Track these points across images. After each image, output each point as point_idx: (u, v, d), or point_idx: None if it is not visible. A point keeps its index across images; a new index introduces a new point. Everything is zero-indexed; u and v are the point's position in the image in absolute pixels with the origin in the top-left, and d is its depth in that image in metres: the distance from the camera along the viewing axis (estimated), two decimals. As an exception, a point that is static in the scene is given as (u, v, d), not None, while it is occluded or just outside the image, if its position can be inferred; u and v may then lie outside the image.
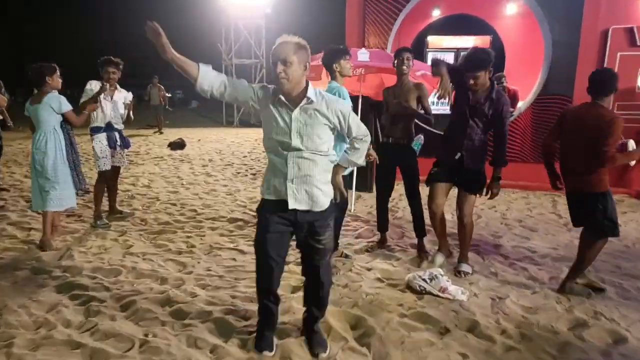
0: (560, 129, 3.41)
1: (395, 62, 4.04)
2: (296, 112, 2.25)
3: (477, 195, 3.63)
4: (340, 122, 2.34)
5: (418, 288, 3.34)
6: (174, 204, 5.75)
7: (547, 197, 6.45)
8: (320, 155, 2.32)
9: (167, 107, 16.00)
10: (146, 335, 2.71)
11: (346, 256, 3.97)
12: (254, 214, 5.37)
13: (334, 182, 2.46)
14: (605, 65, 6.39)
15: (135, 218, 5.09)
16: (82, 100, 4.46)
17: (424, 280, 3.35)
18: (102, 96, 4.50)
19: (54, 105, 4.03)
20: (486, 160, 3.61)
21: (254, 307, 3.02)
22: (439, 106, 7.98)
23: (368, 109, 5.85)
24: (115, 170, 4.98)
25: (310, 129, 2.27)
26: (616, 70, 6.37)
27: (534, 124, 6.91)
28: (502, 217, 5.49)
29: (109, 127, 4.74)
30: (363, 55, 4.80)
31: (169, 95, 17.08)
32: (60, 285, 3.35)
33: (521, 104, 7.25)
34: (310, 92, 2.26)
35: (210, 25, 21.31)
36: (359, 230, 4.83)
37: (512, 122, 6.99)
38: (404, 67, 4.00)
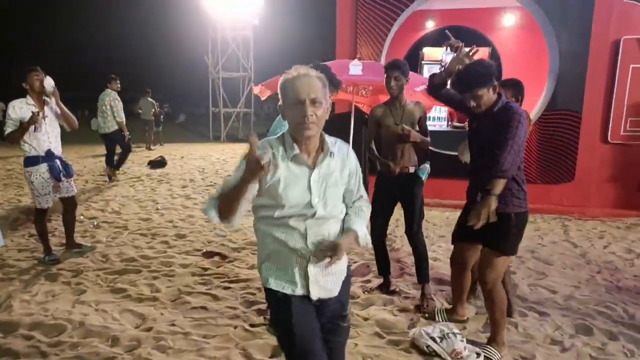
0: None
1: (385, 80, 3.41)
2: (316, 172, 1.65)
3: (507, 255, 2.66)
4: (350, 178, 1.79)
5: (425, 349, 2.75)
6: (144, 234, 5.10)
7: (556, 222, 5.91)
8: (339, 220, 1.75)
9: (158, 125, 15.09)
10: None
11: None
12: (234, 246, 4.77)
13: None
14: (616, 79, 5.94)
15: (95, 253, 4.44)
16: (7, 130, 3.84)
17: (432, 339, 2.75)
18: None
19: None
20: (519, 204, 2.64)
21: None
22: (434, 121, 7.50)
23: (359, 124, 5.25)
24: (69, 201, 4.30)
25: (332, 191, 1.70)
26: (628, 84, 5.95)
27: (539, 143, 6.40)
28: (511, 246, 4.92)
29: (49, 156, 3.99)
30: (355, 67, 4.23)
31: (160, 109, 16.17)
32: (-16, 351, 2.71)
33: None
34: (330, 141, 1.70)
35: (196, 37, 20.78)
36: (352, 267, 4.23)
37: (515, 139, 6.48)
38: (393, 89, 3.36)
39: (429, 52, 7.98)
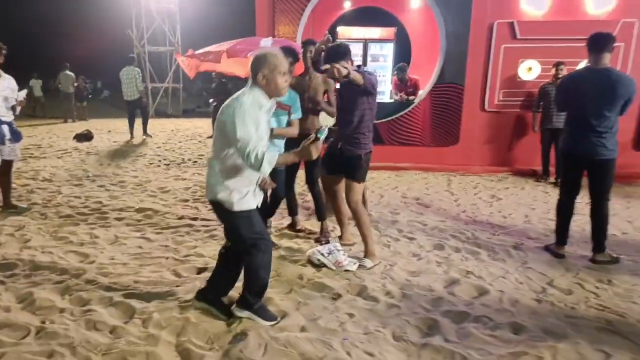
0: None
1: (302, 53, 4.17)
2: (272, 116, 2.69)
3: (361, 182, 3.62)
4: None
5: (317, 262, 3.61)
6: (78, 197, 5.55)
7: (444, 178, 7.06)
8: None
9: (82, 99, 15.57)
10: (43, 322, 2.71)
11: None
12: (164, 203, 5.37)
13: None
14: (491, 57, 7.10)
15: (33, 212, 4.87)
16: None
17: (322, 254, 3.62)
18: None
19: None
20: (365, 147, 3.57)
21: (157, 289, 3.14)
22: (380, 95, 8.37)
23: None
24: (7, 164, 4.71)
25: None
26: (501, 61, 7.15)
27: (432, 111, 7.49)
28: (402, 196, 5.96)
29: None
30: (266, 42, 4.95)
31: (85, 84, 16.20)
32: (-54, 283, 3.20)
33: (422, 92, 7.82)
34: None
35: (118, 9, 20.14)
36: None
37: (414, 108, 7.52)
38: (307, 61, 4.13)
39: (342, 30, 8.78)
